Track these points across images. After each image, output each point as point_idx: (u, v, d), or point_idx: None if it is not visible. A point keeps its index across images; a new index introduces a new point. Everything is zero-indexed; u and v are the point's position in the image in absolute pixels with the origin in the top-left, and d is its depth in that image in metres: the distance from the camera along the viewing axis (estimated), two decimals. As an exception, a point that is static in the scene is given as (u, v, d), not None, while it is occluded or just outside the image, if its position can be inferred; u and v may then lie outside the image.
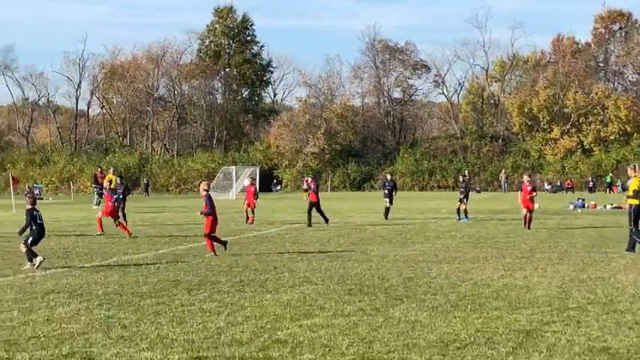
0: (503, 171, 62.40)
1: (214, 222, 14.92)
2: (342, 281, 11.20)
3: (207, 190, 15.29)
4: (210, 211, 14.73)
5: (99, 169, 40.99)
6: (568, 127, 67.88)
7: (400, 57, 79.23)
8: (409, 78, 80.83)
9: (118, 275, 11.81)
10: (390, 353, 6.34)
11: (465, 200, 25.57)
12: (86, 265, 13.39)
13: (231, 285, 10.65)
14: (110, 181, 30.30)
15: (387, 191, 27.42)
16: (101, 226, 20.04)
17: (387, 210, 26.79)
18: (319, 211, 23.91)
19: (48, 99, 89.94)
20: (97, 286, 10.61)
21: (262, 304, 9.05)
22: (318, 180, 40.57)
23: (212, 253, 14.59)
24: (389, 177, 31.13)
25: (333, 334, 7.13)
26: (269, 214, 31.36)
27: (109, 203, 20.15)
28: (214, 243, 14.84)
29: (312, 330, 7.35)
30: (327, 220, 23.76)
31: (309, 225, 23.38)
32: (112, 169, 36.80)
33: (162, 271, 12.33)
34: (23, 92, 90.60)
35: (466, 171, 50.47)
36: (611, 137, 66.41)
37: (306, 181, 55.65)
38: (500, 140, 73.37)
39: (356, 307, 8.88)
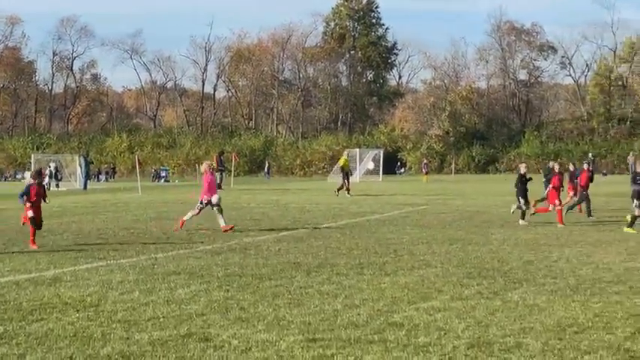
0: (631, 154, 56.20)
1: None
2: (461, 264, 10.98)
3: None
4: None
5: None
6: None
7: (526, 38, 78.50)
8: (535, 60, 79.63)
9: (239, 257, 11.88)
10: (505, 337, 6.12)
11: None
12: (208, 247, 13.39)
13: (350, 267, 10.62)
14: None
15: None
16: None
17: None
18: None
19: (175, 82, 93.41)
20: (217, 267, 10.64)
21: (380, 286, 8.95)
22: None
23: None
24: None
25: (449, 318, 6.97)
26: (391, 196, 31.27)
27: None
28: None
29: (429, 313, 7.22)
30: None
31: None
32: None
33: (282, 253, 12.38)
34: (151, 76, 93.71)
35: (590, 154, 49.34)
36: None
37: (426, 164, 55.43)
38: (629, 122, 70.50)
39: (474, 290, 8.68)
